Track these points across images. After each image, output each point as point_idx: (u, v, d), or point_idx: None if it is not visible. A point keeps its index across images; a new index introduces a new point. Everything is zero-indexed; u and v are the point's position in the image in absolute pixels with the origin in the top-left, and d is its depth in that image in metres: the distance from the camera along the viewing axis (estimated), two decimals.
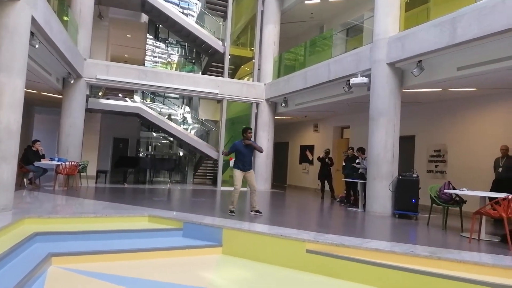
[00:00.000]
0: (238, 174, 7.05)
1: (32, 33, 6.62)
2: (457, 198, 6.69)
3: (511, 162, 7.58)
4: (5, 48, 5.74)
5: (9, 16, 5.78)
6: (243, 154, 7.06)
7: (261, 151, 7.38)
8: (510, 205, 5.22)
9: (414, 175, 7.94)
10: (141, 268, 4.49)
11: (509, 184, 7.31)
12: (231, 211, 6.82)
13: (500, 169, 7.65)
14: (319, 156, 11.61)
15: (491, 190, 7.44)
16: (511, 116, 8.15)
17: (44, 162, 10.03)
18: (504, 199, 5.20)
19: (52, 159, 10.22)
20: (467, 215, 6.82)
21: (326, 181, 11.45)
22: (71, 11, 10.85)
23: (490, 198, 5.75)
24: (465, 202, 6.67)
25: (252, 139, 7.43)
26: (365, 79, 8.74)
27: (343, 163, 10.64)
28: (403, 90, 8.46)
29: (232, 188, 7.20)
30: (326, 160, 11.31)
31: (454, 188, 6.74)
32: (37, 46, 7.10)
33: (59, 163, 9.83)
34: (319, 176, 11.61)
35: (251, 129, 7.30)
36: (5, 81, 5.73)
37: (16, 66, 5.89)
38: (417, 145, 10.30)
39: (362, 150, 9.56)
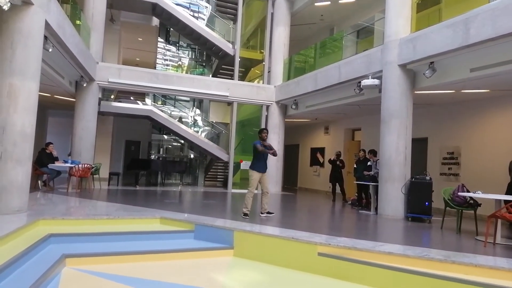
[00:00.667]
0: (256, 177, 6.95)
1: (45, 37, 6.72)
2: (471, 201, 6.58)
3: None
4: (19, 52, 5.84)
5: (23, 20, 5.88)
6: (262, 154, 7.00)
7: (275, 155, 7.23)
8: None
9: (427, 177, 7.85)
10: (153, 270, 4.52)
11: None
12: (245, 214, 6.78)
13: None
14: (330, 159, 11.55)
15: (507, 193, 7.30)
16: None
17: (58, 165, 10.17)
18: None
19: (65, 162, 10.36)
20: (482, 219, 6.70)
21: (337, 183, 11.38)
22: (84, 15, 11.01)
23: (506, 201, 5.65)
24: (479, 205, 6.57)
25: (275, 144, 7.38)
26: (376, 81, 8.67)
27: (355, 166, 10.57)
28: (415, 92, 8.37)
29: (245, 191, 7.14)
30: (338, 162, 11.25)
31: (468, 191, 6.64)
32: (50, 50, 7.22)
33: (72, 165, 9.96)
34: (330, 178, 11.55)
35: (266, 130, 7.26)
36: (19, 84, 5.82)
37: (30, 69, 5.98)
38: (430, 147, 10.17)
39: (373, 153, 9.49)
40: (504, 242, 5.61)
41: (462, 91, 8.29)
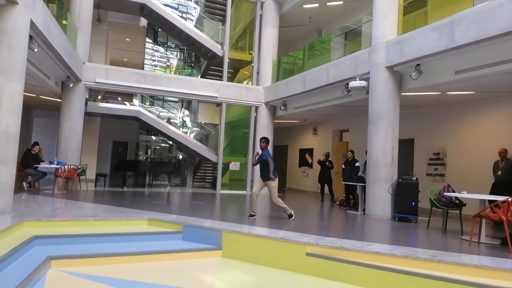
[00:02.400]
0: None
1: (31, 37, 6.62)
2: (456, 201, 6.69)
3: (510, 165, 7.60)
4: (3, 52, 5.74)
5: (7, 20, 5.78)
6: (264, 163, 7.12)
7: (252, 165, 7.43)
8: (510, 208, 5.23)
9: (414, 178, 7.95)
10: (141, 272, 4.48)
11: (508, 187, 7.32)
12: (290, 215, 7.05)
13: (499, 172, 7.67)
14: (319, 159, 11.61)
15: (491, 193, 7.45)
16: (509, 119, 8.18)
17: (43, 166, 10.01)
18: (503, 202, 5.21)
19: (51, 163, 10.20)
20: (467, 218, 6.82)
21: (326, 184, 11.45)
22: (70, 15, 10.87)
23: (490, 201, 5.76)
24: (464, 205, 6.68)
25: (269, 148, 7.34)
26: (363, 83, 8.75)
27: (343, 166, 10.65)
28: (402, 94, 8.48)
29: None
30: (327, 163, 11.32)
31: (453, 191, 6.75)
32: (36, 50, 7.10)
33: (58, 166, 9.82)
34: (319, 179, 11.61)
35: (263, 138, 7.26)
36: (3, 85, 5.73)
37: (15, 70, 5.89)
38: (416, 148, 10.31)
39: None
40: (488, 241, 5.72)
41: (448, 93, 8.43)
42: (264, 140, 7.20)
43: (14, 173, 6.13)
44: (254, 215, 6.86)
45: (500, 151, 7.72)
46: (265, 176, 7.05)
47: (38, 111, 16.57)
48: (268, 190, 7.13)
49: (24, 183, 9.90)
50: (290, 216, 7.01)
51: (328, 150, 13.06)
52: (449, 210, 6.69)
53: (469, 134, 9.02)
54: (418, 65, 7.57)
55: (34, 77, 8.78)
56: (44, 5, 7.18)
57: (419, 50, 7.35)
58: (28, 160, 9.81)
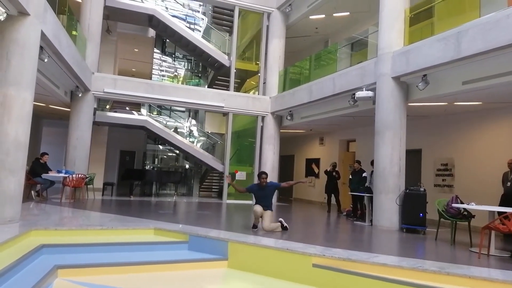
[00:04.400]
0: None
1: (41, 47, 6.74)
2: (465, 213, 6.61)
3: None
4: (15, 62, 5.84)
5: (19, 31, 5.90)
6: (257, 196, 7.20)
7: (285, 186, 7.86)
8: None
9: (421, 189, 7.88)
10: (147, 281, 4.48)
11: None
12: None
13: (508, 183, 7.56)
14: (326, 170, 11.57)
15: (500, 205, 7.35)
16: None
17: (52, 175, 10.10)
18: None
19: (59, 172, 10.29)
20: (476, 230, 6.73)
21: (333, 194, 11.38)
22: (80, 26, 11.06)
23: (499, 213, 5.68)
24: (473, 216, 6.59)
25: (268, 179, 7.25)
26: (370, 93, 8.75)
27: (350, 177, 10.59)
28: (409, 104, 8.46)
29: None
30: (334, 173, 11.27)
31: (462, 203, 6.67)
32: (46, 60, 7.24)
33: (66, 175, 9.89)
34: (326, 189, 11.55)
35: (263, 173, 7.23)
36: (14, 94, 5.82)
37: (25, 80, 5.98)
38: (424, 159, 10.24)
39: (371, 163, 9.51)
40: (498, 253, 5.63)
41: (455, 103, 8.39)
42: (265, 174, 7.18)
43: (23, 182, 6.19)
44: (257, 226, 6.81)
45: (509, 162, 7.62)
46: (268, 205, 7.02)
47: (47, 120, 16.78)
48: (264, 216, 6.87)
49: (32, 192, 9.98)
50: (285, 228, 6.79)
51: (335, 160, 13.01)
52: (457, 222, 6.61)
53: (478, 145, 8.94)
54: (424, 75, 7.56)
55: (43, 86, 8.92)
56: (55, 16, 7.32)
57: (425, 60, 7.34)
58: (36, 169, 9.91)
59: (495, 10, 6.35)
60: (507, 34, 5.85)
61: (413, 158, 9.85)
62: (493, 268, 4.73)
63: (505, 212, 5.23)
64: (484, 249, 5.54)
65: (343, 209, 11.30)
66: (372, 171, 8.92)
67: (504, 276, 4.16)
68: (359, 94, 8.92)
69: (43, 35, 6.50)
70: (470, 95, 7.53)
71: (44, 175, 9.90)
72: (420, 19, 8.46)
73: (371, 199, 8.70)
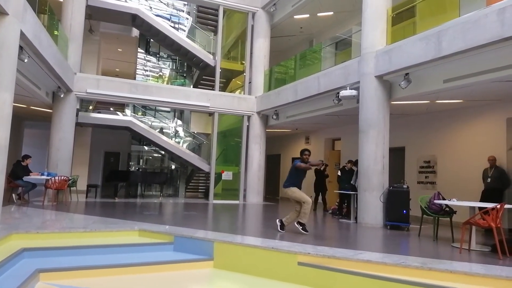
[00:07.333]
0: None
1: (21, 47, 6.61)
2: (447, 209, 6.74)
3: (499, 173, 7.69)
4: None
5: None
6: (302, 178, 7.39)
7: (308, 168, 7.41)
8: (499, 215, 5.28)
9: (405, 186, 8.00)
10: (132, 283, 4.43)
11: (498, 194, 7.41)
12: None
13: (488, 180, 7.75)
14: (317, 168, 11.60)
15: (481, 200, 7.52)
16: (498, 127, 8.28)
17: (33, 177, 9.90)
18: (493, 209, 5.26)
19: (41, 174, 10.09)
20: (458, 226, 6.85)
21: (320, 193, 11.42)
22: (61, 26, 10.88)
23: (480, 208, 5.80)
24: (455, 212, 6.72)
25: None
26: (354, 92, 8.84)
27: (338, 174, 10.64)
28: (392, 103, 8.57)
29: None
30: (325, 172, 11.32)
31: (444, 199, 6.80)
32: (26, 60, 7.09)
33: (49, 177, 9.71)
34: (315, 188, 11.58)
35: (307, 150, 7.15)
36: None
37: (4, 80, 5.87)
38: (407, 156, 10.39)
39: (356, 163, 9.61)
40: (479, 248, 5.75)
41: (437, 101, 8.54)
42: (307, 151, 7.19)
43: (3, 184, 6.06)
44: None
45: (490, 159, 7.82)
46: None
47: (29, 122, 16.44)
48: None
49: (13, 195, 9.77)
50: (281, 227, 6.81)
51: (321, 159, 13.08)
52: (440, 218, 6.74)
53: (459, 142, 9.12)
54: (407, 74, 7.67)
55: (24, 87, 8.73)
56: (35, 16, 7.18)
57: (407, 59, 7.45)
58: (18, 172, 9.70)
59: (474, 9, 6.49)
60: (485, 33, 5.98)
61: (396, 156, 9.99)
62: (474, 262, 4.83)
63: (485, 208, 5.35)
64: (465, 244, 5.66)
65: (328, 207, 11.37)
66: (357, 170, 9.02)
67: (485, 270, 4.25)
68: (343, 93, 9.00)
69: (22, 35, 6.38)
70: (451, 93, 7.67)
71: (25, 178, 9.71)
72: (403, 19, 8.58)
73: (355, 197, 8.79)
